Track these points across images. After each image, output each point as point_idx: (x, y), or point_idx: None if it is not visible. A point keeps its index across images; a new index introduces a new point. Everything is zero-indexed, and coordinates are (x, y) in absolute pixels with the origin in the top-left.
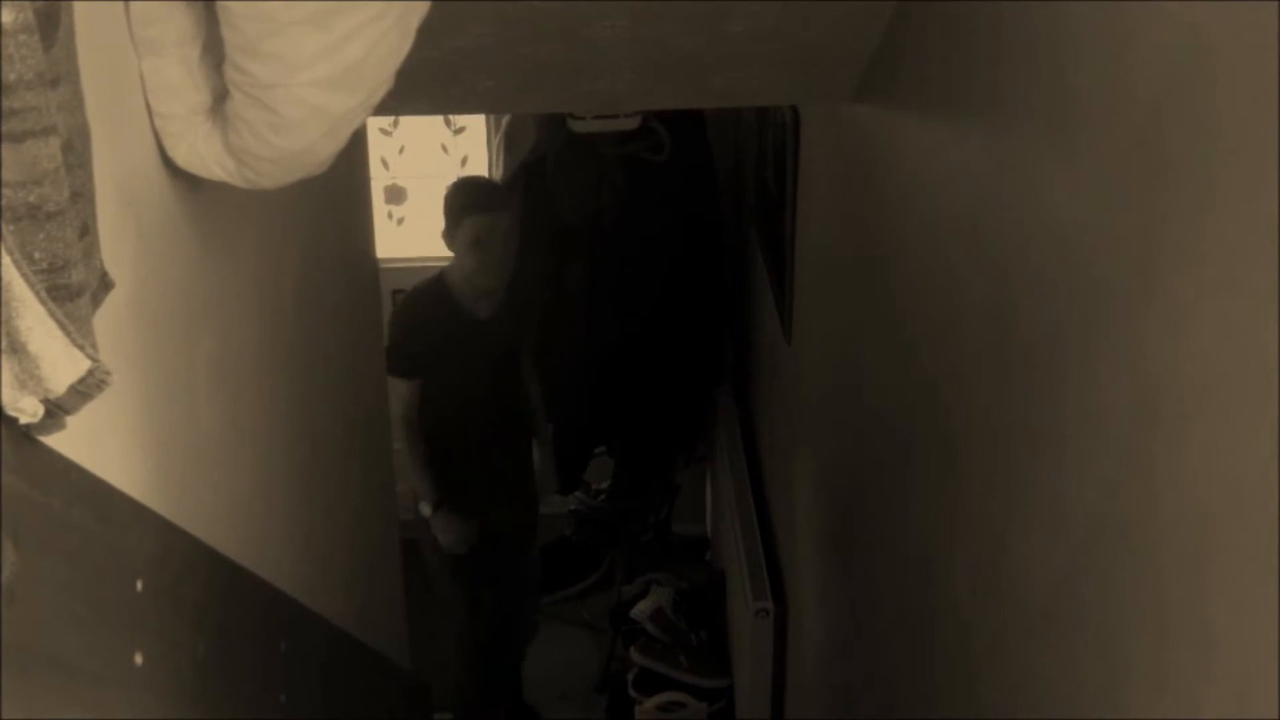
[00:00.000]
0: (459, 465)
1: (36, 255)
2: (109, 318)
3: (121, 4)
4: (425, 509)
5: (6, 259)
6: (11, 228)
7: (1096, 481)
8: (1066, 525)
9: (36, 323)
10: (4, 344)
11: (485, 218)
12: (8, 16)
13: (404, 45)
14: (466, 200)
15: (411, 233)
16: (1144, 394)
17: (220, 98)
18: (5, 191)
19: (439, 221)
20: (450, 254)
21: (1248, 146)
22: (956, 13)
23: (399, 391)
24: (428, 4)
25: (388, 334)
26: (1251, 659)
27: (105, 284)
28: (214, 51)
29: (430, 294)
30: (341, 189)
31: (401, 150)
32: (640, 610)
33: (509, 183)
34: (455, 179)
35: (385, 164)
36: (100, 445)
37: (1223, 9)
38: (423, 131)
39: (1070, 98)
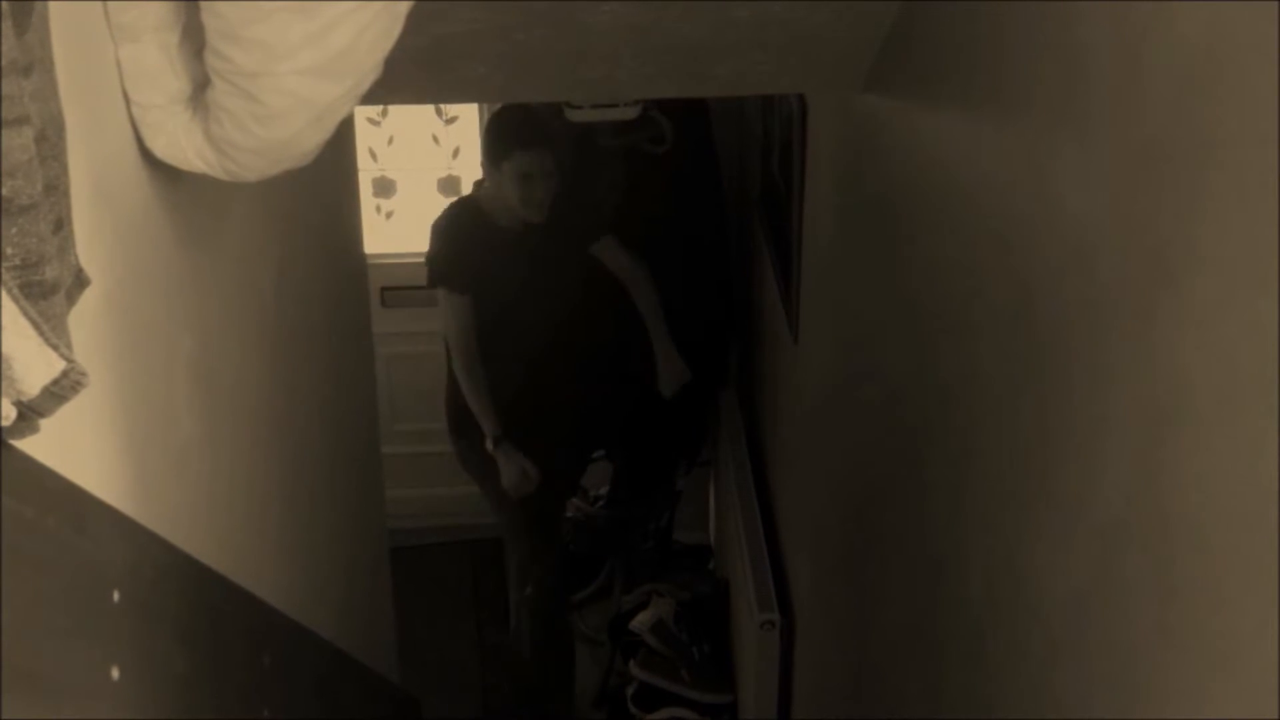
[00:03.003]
0: (519, 395)
1: (9, 250)
2: (84, 316)
3: None
4: (489, 444)
5: None
6: None
7: (1114, 488)
8: (1084, 534)
9: (8, 321)
10: None
11: (533, 154)
12: None
13: (393, 31)
14: (512, 136)
15: (401, 227)
16: (1163, 396)
17: (201, 86)
18: None
19: (430, 215)
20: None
21: (1268, 139)
22: (970, 1)
23: (454, 310)
24: None
25: (434, 250)
26: (1276, 675)
27: (80, 281)
28: (194, 38)
29: (465, 211)
30: (328, 182)
31: (390, 141)
32: (640, 622)
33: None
34: (500, 108)
35: (373, 155)
36: (75, 450)
37: None
38: (412, 122)
39: (1085, 88)
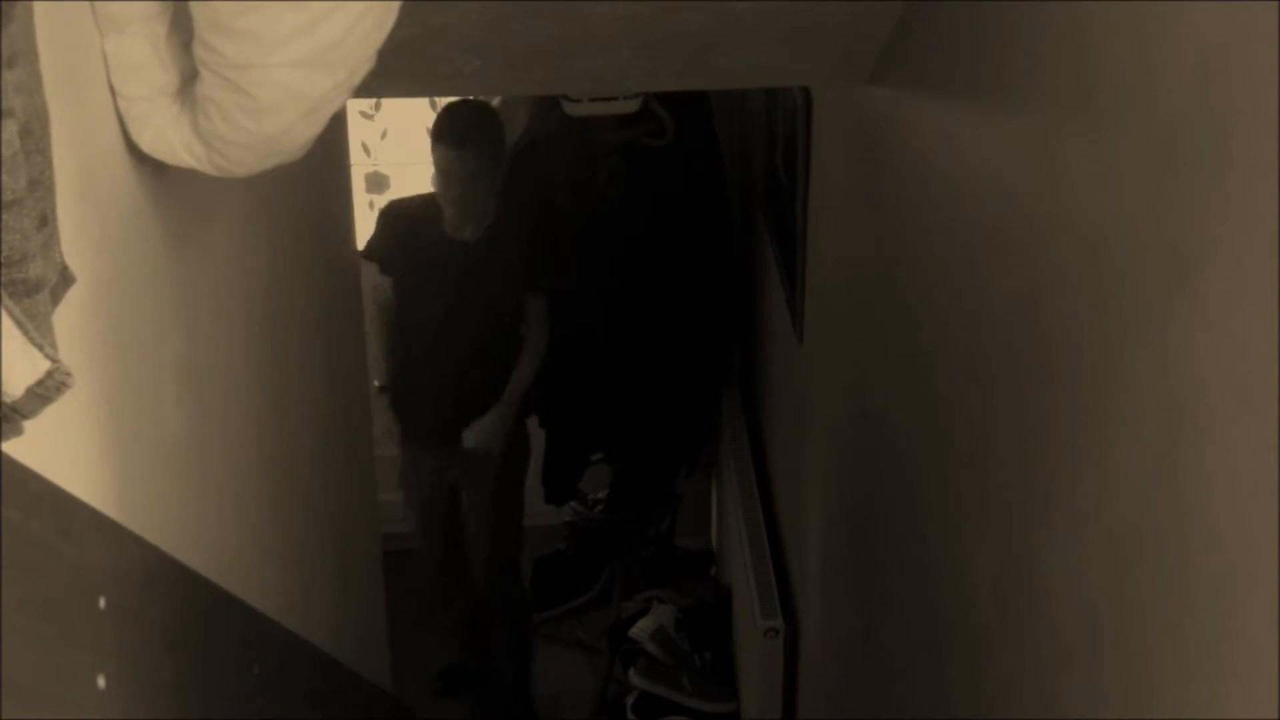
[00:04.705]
0: (422, 387)
1: None
2: (69, 315)
3: None
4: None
5: None
6: None
7: (1127, 492)
8: (1095, 539)
9: None
10: None
11: (447, 151)
12: None
13: (386, 22)
14: (440, 127)
15: None
16: (1177, 397)
17: (189, 78)
18: None
19: None
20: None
21: None
22: None
23: (376, 279)
24: None
25: (376, 223)
26: None
27: (65, 279)
28: (182, 28)
29: (420, 202)
30: (319, 177)
31: (384, 135)
32: (640, 629)
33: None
34: (452, 100)
35: (366, 150)
36: (60, 452)
37: None
38: (406, 115)
39: (1096, 81)
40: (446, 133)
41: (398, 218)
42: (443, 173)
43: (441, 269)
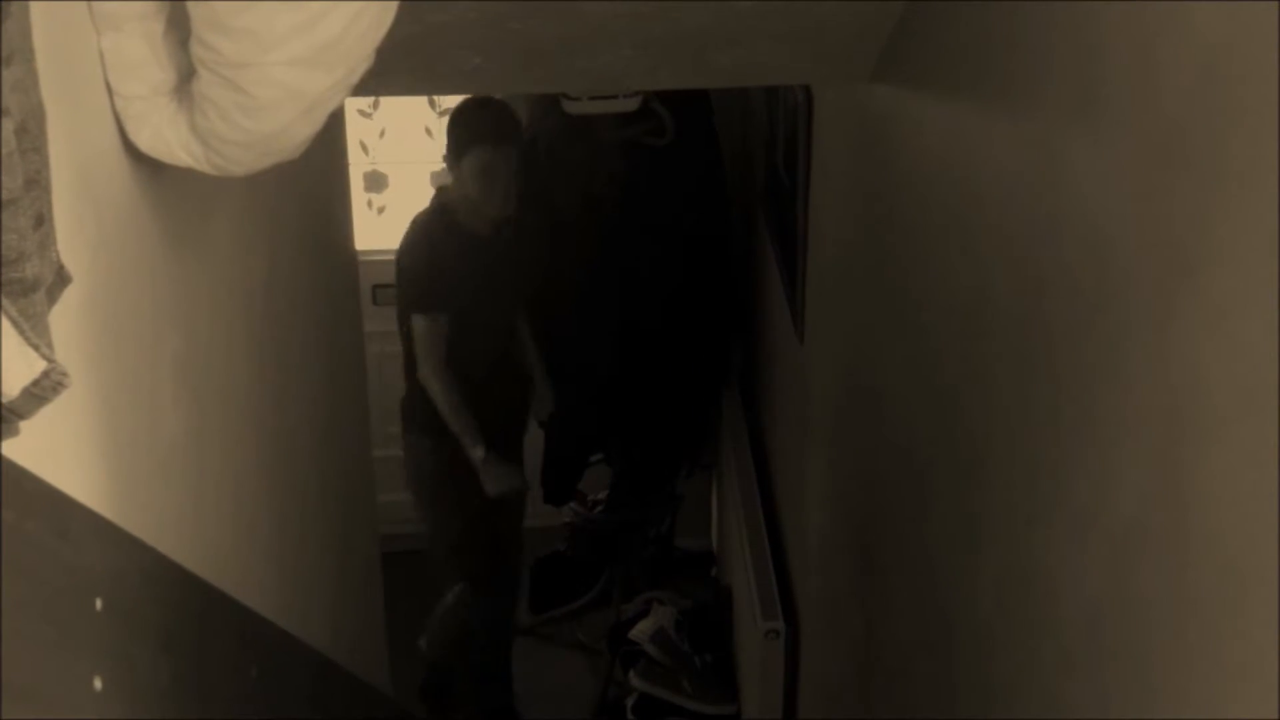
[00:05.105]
0: (495, 401)
1: None
2: (66, 315)
3: None
4: (476, 453)
5: None
6: None
7: (1130, 492)
8: (1098, 540)
9: None
10: None
11: (491, 149)
12: None
13: (385, 20)
14: (473, 129)
15: (393, 222)
16: (1181, 397)
17: (186, 77)
18: None
19: (421, 209)
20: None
21: None
22: None
23: (429, 330)
24: None
25: (406, 273)
26: None
27: (62, 278)
28: (179, 26)
29: (438, 223)
30: (317, 176)
31: (382, 134)
32: (640, 631)
33: None
34: (462, 101)
35: (365, 149)
36: (57, 453)
37: None
38: (405, 114)
39: (1101, 80)
40: (483, 132)
41: (427, 246)
42: (485, 172)
43: (484, 272)
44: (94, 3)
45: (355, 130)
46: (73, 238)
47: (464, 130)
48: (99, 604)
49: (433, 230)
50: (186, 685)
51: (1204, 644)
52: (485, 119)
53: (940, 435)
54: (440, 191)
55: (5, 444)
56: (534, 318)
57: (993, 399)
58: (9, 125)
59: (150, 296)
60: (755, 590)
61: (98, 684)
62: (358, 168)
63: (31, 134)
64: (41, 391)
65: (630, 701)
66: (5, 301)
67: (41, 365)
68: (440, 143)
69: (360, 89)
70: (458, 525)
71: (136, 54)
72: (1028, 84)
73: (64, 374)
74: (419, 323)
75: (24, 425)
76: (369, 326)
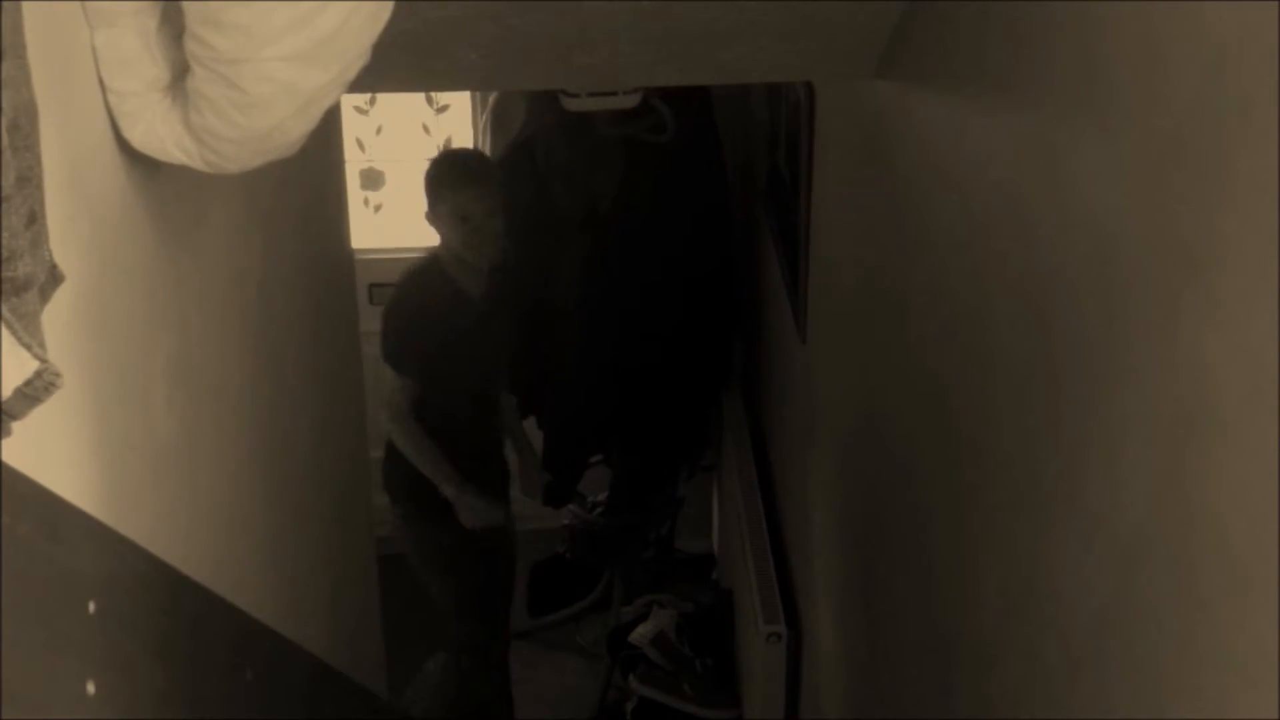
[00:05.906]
0: (470, 449)
1: None
2: (58, 314)
3: None
4: (448, 490)
5: None
6: None
7: (1136, 494)
8: (1104, 542)
9: None
10: None
11: (471, 194)
12: None
13: (381, 15)
14: (450, 175)
15: (390, 221)
16: (1187, 397)
17: (180, 73)
18: None
19: (420, 207)
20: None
21: None
22: None
23: (400, 388)
24: None
25: (389, 326)
26: None
27: (54, 277)
28: (173, 22)
29: (429, 278)
30: (313, 173)
31: (379, 131)
32: (640, 634)
33: (498, 163)
34: (438, 152)
35: (361, 146)
36: (49, 454)
37: None
38: (402, 110)
39: (1105, 77)
40: (462, 177)
41: (417, 307)
42: (465, 220)
43: (468, 335)
44: None
45: (351, 127)
46: (65, 236)
47: (435, 180)
48: (92, 607)
49: (423, 283)
50: (180, 689)
51: (1211, 648)
52: (455, 165)
53: (943, 436)
54: (434, 251)
55: None
56: (534, 320)
57: (997, 399)
58: (1, 122)
59: (144, 295)
60: (757, 593)
61: (91, 688)
62: (354, 165)
63: (23, 131)
64: (34, 392)
65: (630, 705)
66: None
67: (34, 365)
68: (437, 139)
69: (356, 85)
70: (453, 586)
71: (130, 50)
72: (1032, 81)
73: (57, 374)
74: (392, 378)
75: (16, 426)
76: (365, 326)
